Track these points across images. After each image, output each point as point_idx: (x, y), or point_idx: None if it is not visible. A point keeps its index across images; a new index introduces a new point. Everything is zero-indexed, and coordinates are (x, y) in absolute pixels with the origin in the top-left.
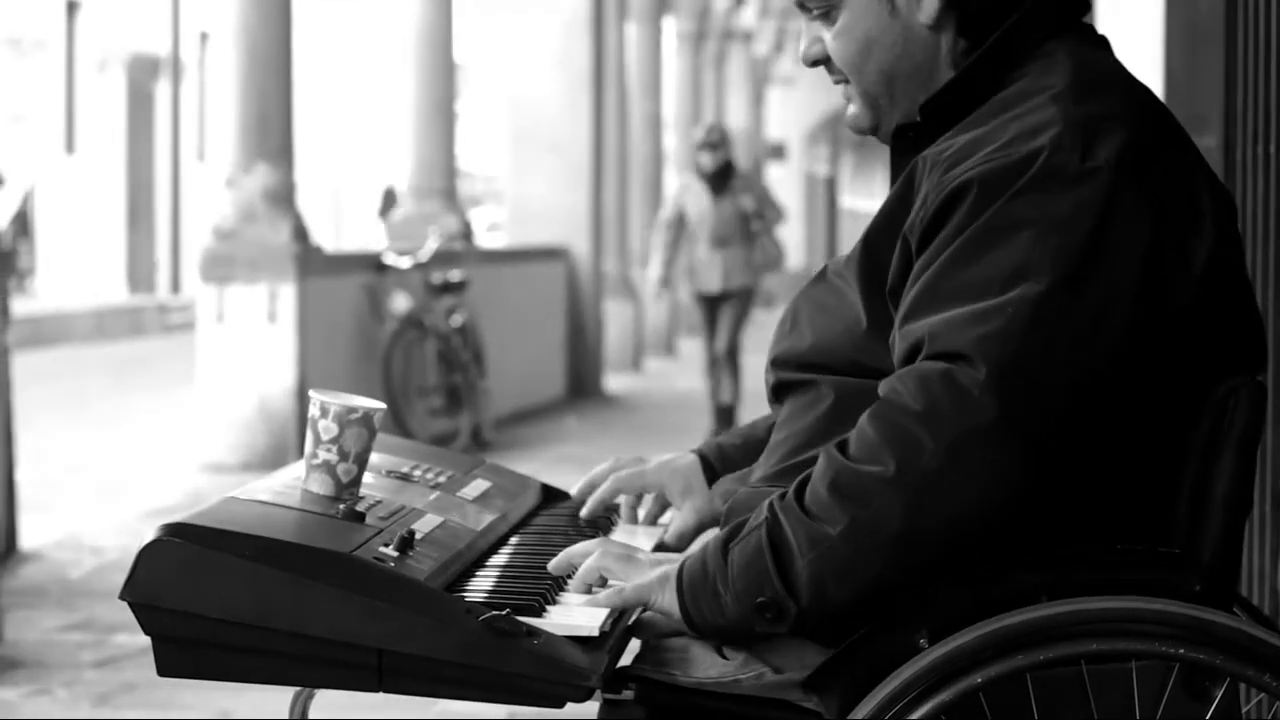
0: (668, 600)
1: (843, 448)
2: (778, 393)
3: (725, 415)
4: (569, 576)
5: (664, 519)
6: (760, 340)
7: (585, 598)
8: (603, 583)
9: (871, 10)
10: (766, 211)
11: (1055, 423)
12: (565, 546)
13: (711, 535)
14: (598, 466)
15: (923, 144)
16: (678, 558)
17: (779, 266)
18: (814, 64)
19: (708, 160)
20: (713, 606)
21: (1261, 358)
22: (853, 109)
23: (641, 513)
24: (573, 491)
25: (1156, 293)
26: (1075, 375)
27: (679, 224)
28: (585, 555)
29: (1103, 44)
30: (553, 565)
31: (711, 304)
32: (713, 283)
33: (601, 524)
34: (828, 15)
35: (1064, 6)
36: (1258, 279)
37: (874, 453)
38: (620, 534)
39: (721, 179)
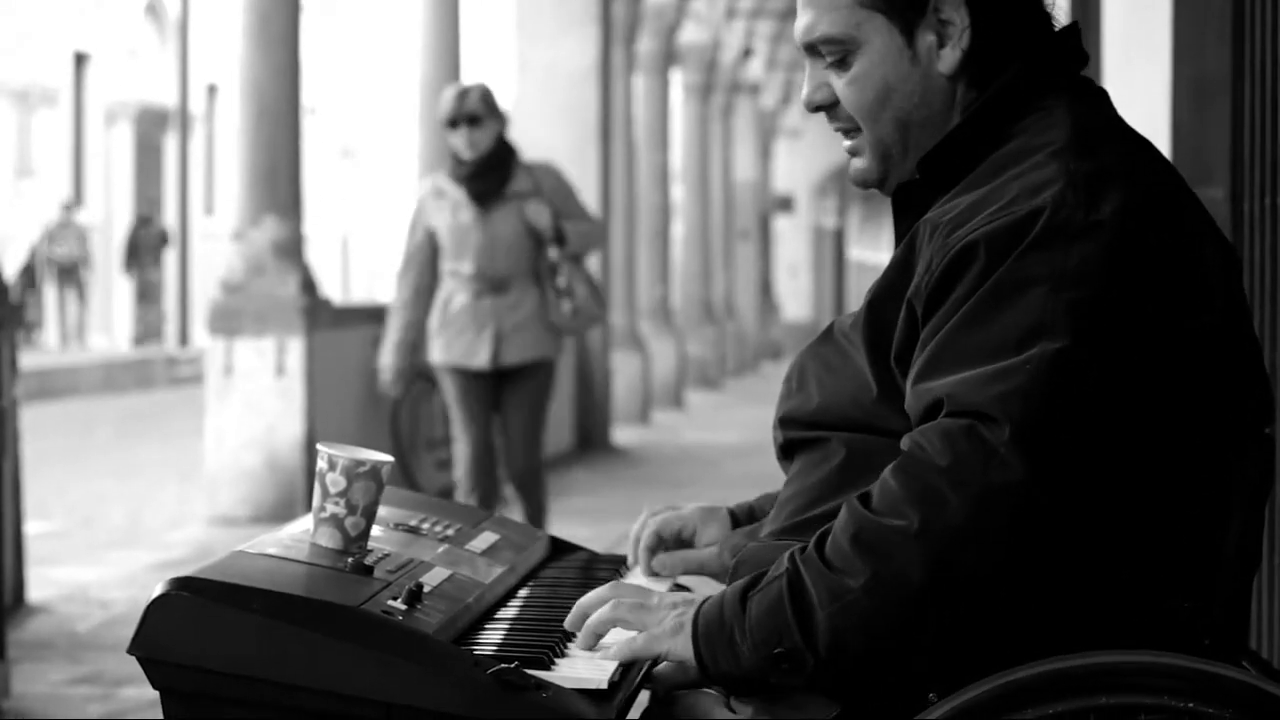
0: (681, 648)
1: (865, 500)
2: (787, 450)
3: None
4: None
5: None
6: (736, 398)
7: (595, 653)
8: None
9: (891, 58)
10: (570, 229)
11: (1078, 480)
12: (574, 599)
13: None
14: (634, 525)
15: (924, 203)
16: (693, 598)
17: (594, 322)
18: (817, 109)
19: (464, 145)
20: (728, 655)
21: (1270, 411)
22: (859, 162)
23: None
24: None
25: (1163, 345)
26: (1095, 431)
27: (428, 257)
28: (599, 603)
29: (1101, 97)
30: (569, 622)
31: (481, 386)
32: (479, 354)
33: (604, 582)
34: (842, 62)
35: (1062, 61)
36: (1265, 331)
37: (898, 507)
38: (632, 580)
39: (492, 177)
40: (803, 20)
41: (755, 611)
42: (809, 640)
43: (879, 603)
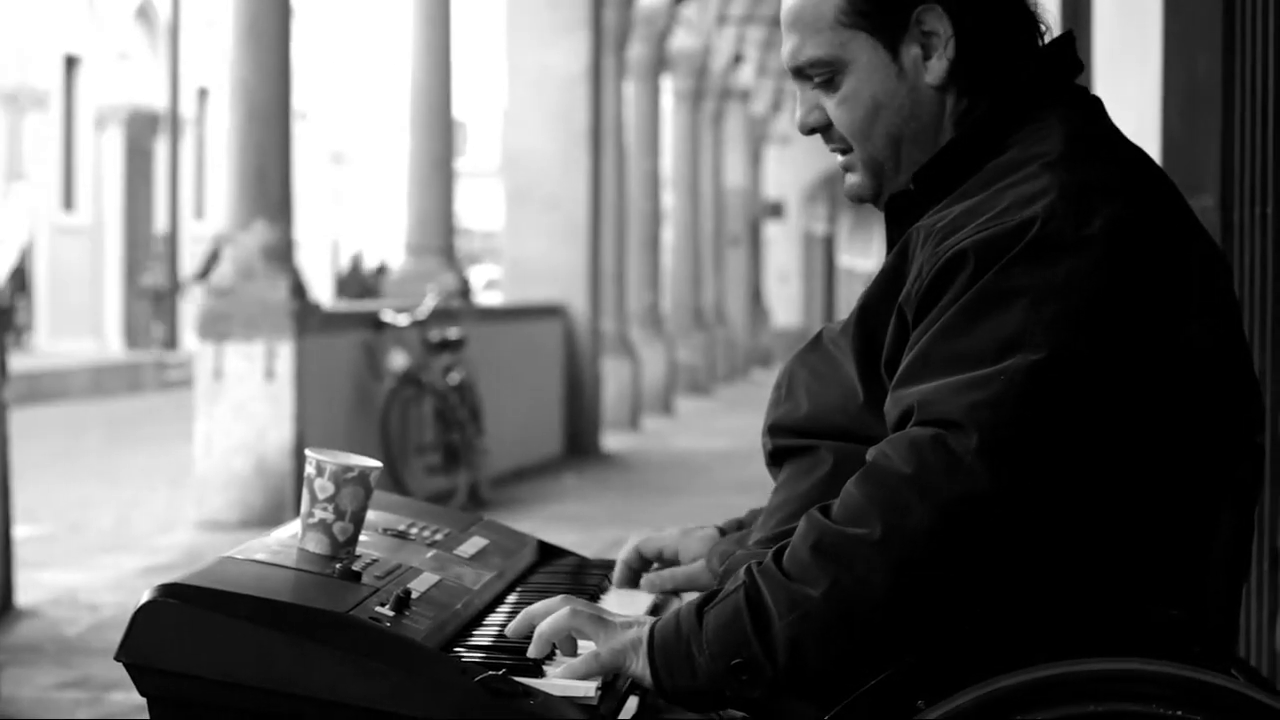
0: (640, 665)
1: (825, 511)
2: (776, 458)
3: None
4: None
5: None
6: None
7: (561, 666)
8: (569, 643)
9: (878, 74)
10: None
11: (1046, 490)
12: None
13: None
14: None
15: (917, 212)
16: (649, 620)
17: None
18: (811, 132)
19: None
20: (685, 668)
21: (1259, 419)
22: (853, 178)
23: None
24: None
25: (1151, 360)
26: (1068, 443)
27: None
28: (546, 614)
29: (1095, 106)
30: (511, 630)
31: None
32: None
33: (594, 587)
34: (830, 82)
35: (1056, 69)
36: (1255, 339)
37: (860, 515)
38: (614, 596)
39: None
40: (788, 45)
41: (712, 624)
42: (767, 650)
43: (838, 611)
